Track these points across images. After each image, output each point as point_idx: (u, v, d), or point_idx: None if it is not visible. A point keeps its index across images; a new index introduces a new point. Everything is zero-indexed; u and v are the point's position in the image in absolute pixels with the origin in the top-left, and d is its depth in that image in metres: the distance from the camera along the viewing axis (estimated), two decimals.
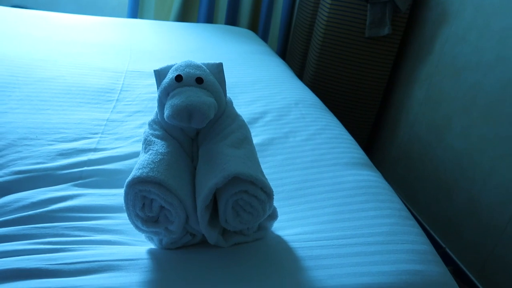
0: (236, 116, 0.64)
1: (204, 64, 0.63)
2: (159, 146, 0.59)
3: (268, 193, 0.57)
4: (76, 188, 0.72)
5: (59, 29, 1.45)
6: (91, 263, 0.56)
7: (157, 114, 0.64)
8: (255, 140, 0.89)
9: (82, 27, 1.53)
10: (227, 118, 0.62)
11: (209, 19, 2.21)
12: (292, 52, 2.07)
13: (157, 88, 0.62)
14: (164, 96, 0.59)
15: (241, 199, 0.55)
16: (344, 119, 1.77)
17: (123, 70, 1.17)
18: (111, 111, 0.95)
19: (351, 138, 0.94)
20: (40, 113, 0.89)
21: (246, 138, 0.61)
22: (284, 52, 2.37)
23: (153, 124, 0.63)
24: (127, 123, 0.92)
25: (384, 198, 0.74)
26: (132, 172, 0.55)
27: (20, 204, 0.66)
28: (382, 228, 0.67)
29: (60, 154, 0.78)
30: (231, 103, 0.66)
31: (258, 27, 2.28)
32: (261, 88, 1.16)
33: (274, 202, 0.60)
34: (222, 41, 1.63)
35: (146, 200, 0.55)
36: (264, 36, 2.28)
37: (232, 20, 2.24)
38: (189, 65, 0.60)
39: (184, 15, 2.21)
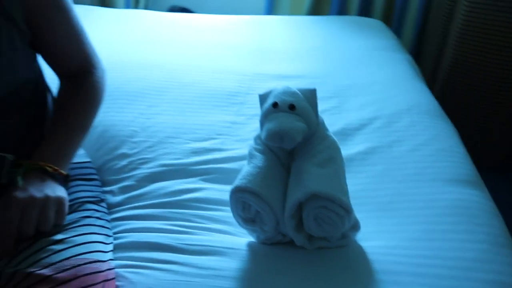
0: (325, 137, 0.72)
1: (299, 89, 0.72)
2: (258, 160, 0.71)
3: (346, 210, 0.64)
4: (203, 182, 0.90)
5: (201, 31, 1.68)
6: (205, 247, 0.73)
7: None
8: (358, 148, 0.94)
9: (220, 28, 1.73)
10: (317, 139, 0.71)
11: (342, 10, 2.21)
12: (428, 46, 1.94)
13: (260, 110, 0.74)
14: (263, 119, 0.71)
15: (321, 212, 0.64)
16: (483, 125, 1.62)
17: (250, 72, 1.32)
18: (236, 114, 1.11)
19: (462, 151, 0.91)
20: (183, 114, 1.11)
21: (331, 158, 0.68)
22: (419, 47, 2.21)
23: (256, 139, 0.76)
24: (247, 125, 1.07)
25: (481, 222, 0.73)
26: (235, 180, 0.69)
27: (162, 191, 0.87)
28: (469, 253, 0.67)
29: (193, 152, 0.97)
30: (323, 124, 0.74)
31: (392, 18, 2.18)
32: (376, 91, 1.18)
33: (364, 213, 0.67)
34: (349, 36, 1.65)
35: (245, 204, 0.68)
36: (398, 29, 2.17)
37: (365, 11, 2.19)
38: (285, 93, 0.70)
39: (317, 7, 2.26)
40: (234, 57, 1.45)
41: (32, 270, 0.59)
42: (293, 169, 0.71)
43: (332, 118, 1.06)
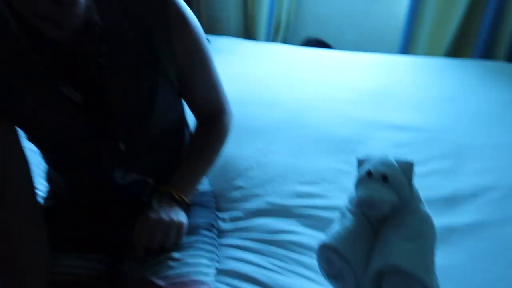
0: (417, 211, 0.73)
1: (396, 160, 0.74)
2: (348, 220, 0.76)
3: None
4: (301, 226, 0.98)
5: (328, 70, 1.76)
6: None
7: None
8: (464, 219, 0.91)
9: (349, 66, 1.79)
10: (408, 211, 0.72)
11: (487, 53, 2.04)
12: None
13: (357, 173, 0.79)
14: (357, 184, 0.75)
15: (399, 286, 0.66)
16: None
17: (367, 119, 1.35)
18: (344, 162, 1.16)
19: None
20: (294, 156, 1.21)
21: (420, 233, 0.70)
22: None
23: (351, 199, 0.81)
24: (352, 175, 1.11)
25: None
26: (324, 236, 0.75)
27: (264, 228, 0.98)
28: None
29: (297, 195, 1.06)
30: (418, 197, 0.75)
31: None
32: (501, 156, 1.10)
33: None
34: (488, 86, 1.55)
35: (330, 260, 0.74)
36: None
37: None
38: (381, 163, 0.74)
39: (458, 48, 2.13)
40: (355, 101, 1.49)
41: (152, 278, 0.76)
42: (381, 236, 0.74)
43: (443, 181, 1.04)
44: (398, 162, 0.75)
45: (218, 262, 0.89)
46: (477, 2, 1.99)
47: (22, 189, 0.76)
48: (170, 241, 0.80)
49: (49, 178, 0.93)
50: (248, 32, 2.66)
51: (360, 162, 0.80)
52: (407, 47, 2.26)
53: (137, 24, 0.75)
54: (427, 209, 0.75)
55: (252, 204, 1.06)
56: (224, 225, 1.01)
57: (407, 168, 0.74)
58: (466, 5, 1.98)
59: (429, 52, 2.18)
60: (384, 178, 0.72)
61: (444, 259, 0.83)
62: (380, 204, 0.70)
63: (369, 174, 0.74)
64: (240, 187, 1.12)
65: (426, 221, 0.72)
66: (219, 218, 1.03)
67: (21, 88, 0.71)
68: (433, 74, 1.70)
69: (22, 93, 0.71)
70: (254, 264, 0.88)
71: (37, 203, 0.79)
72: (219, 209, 1.06)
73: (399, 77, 1.69)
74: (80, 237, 0.85)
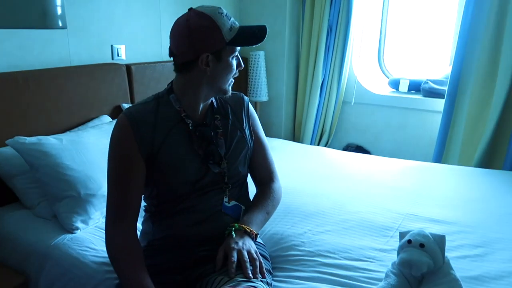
0: (448, 274, 0.92)
1: (431, 234, 0.96)
2: (392, 279, 0.95)
3: None
4: None
5: (366, 170, 2.02)
6: None
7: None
8: None
9: (385, 169, 2.04)
10: (441, 274, 0.92)
11: None
12: None
13: (399, 243, 1.00)
14: (399, 250, 0.96)
15: None
16: None
17: (404, 212, 1.56)
18: (385, 244, 1.35)
19: None
20: (340, 236, 1.41)
21: None
22: None
23: (394, 264, 1.00)
24: (392, 254, 1.29)
25: None
26: None
27: None
28: None
29: (343, 267, 1.25)
30: (448, 264, 0.94)
31: None
32: None
33: None
34: (511, 192, 1.73)
35: None
36: None
37: None
38: (419, 234, 0.95)
39: (488, 161, 2.34)
40: (393, 197, 1.71)
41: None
42: None
43: (472, 265, 1.20)
44: (433, 235, 0.97)
45: None
46: (506, 117, 2.24)
47: (136, 216, 1.10)
48: (245, 258, 1.04)
49: (144, 233, 1.21)
50: (295, 137, 3.03)
51: (402, 235, 1.01)
52: (440, 158, 2.50)
53: (232, 108, 1.26)
54: (457, 274, 0.93)
55: (303, 273, 1.24)
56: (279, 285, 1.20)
57: (440, 240, 0.95)
58: (496, 120, 2.23)
59: (461, 163, 2.39)
60: (421, 246, 0.93)
61: None
62: (418, 264, 0.90)
63: (409, 241, 0.95)
64: (292, 259, 1.31)
65: (456, 282, 0.91)
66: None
67: (173, 137, 1.12)
68: (465, 180, 1.90)
69: (174, 141, 1.12)
70: None
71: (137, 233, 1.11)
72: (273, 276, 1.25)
73: (433, 180, 1.91)
74: (163, 278, 1.08)
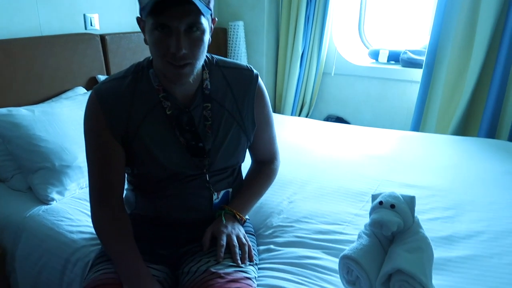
0: (417, 232, 0.94)
1: (402, 195, 0.98)
2: (364, 240, 0.98)
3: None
4: (323, 253, 1.18)
5: (346, 140, 2.04)
6: None
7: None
8: (459, 253, 1.10)
9: (364, 139, 2.07)
10: (411, 232, 0.94)
11: (491, 134, 2.30)
12: None
13: (371, 205, 1.02)
14: (371, 211, 0.99)
15: (403, 286, 0.86)
16: None
17: (381, 179, 1.59)
18: (360, 209, 1.38)
19: None
20: (318, 203, 1.44)
21: (419, 248, 0.91)
22: None
23: (366, 225, 1.03)
24: (367, 218, 1.32)
25: None
26: (345, 251, 0.96)
27: (293, 255, 1.17)
28: None
29: (320, 231, 1.27)
30: (417, 223, 0.97)
31: None
32: (492, 209, 1.30)
33: None
34: (485, 158, 1.78)
35: (349, 269, 0.94)
36: None
37: None
38: (390, 196, 0.97)
39: (464, 128, 2.40)
40: (370, 164, 1.74)
41: (217, 270, 0.96)
42: (389, 251, 0.95)
43: (443, 226, 1.24)
44: (403, 196, 0.99)
45: (257, 279, 1.09)
46: (481, 87, 2.30)
47: (121, 193, 1.04)
48: (236, 246, 1.03)
49: (127, 202, 1.17)
50: (276, 108, 3.03)
51: (374, 197, 1.03)
52: (417, 127, 2.55)
53: (234, 93, 1.08)
54: (426, 233, 0.96)
55: (282, 239, 1.27)
56: (259, 255, 1.22)
57: (410, 201, 0.98)
58: (472, 89, 2.28)
59: (438, 131, 2.45)
60: (392, 206, 0.95)
61: (442, 281, 1.02)
62: (388, 224, 0.92)
63: (380, 203, 0.97)
64: (272, 226, 1.33)
65: (424, 240, 0.94)
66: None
67: (150, 123, 1.00)
68: (441, 147, 1.95)
69: (150, 127, 1.01)
70: (285, 279, 1.07)
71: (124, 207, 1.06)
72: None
73: (409, 148, 1.95)
74: (148, 249, 1.07)
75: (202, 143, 1.04)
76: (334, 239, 1.23)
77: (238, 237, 1.05)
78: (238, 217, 1.11)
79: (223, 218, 1.07)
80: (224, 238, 1.02)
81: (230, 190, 1.15)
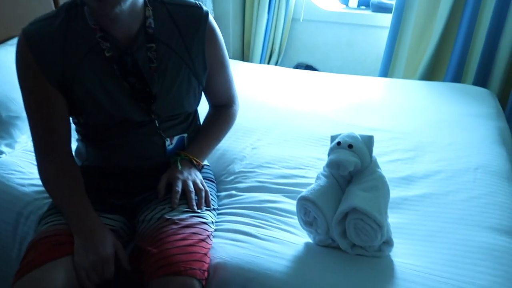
0: (374, 172, 0.94)
1: (360, 135, 0.96)
2: (322, 181, 0.97)
3: (379, 225, 0.85)
4: (284, 197, 1.17)
5: (314, 87, 2.01)
6: (273, 238, 1.00)
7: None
8: (416, 192, 1.12)
9: (332, 85, 2.04)
10: (368, 172, 0.93)
11: (457, 78, 2.31)
12: None
13: (330, 146, 1.00)
14: (330, 152, 0.97)
15: (359, 223, 0.86)
16: None
17: (345, 123, 1.58)
18: (322, 153, 1.37)
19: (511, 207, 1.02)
20: (281, 148, 1.42)
21: (375, 187, 0.90)
22: None
23: (325, 167, 1.02)
24: None
25: (504, 262, 0.85)
26: (302, 192, 0.96)
27: (253, 199, 1.17)
28: (483, 282, 0.80)
29: (282, 176, 1.26)
30: (375, 162, 0.96)
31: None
32: (452, 150, 1.32)
33: (405, 239, 0.86)
34: (450, 102, 1.78)
35: (306, 210, 0.94)
36: None
37: (482, 81, 2.26)
38: (348, 136, 0.96)
39: (431, 74, 2.40)
40: (336, 110, 1.72)
41: (171, 217, 0.94)
42: (346, 191, 0.94)
43: (402, 167, 1.26)
44: (361, 136, 0.97)
45: (216, 224, 1.08)
46: (449, 32, 2.28)
47: (67, 143, 0.98)
48: (192, 192, 1.00)
49: (79, 153, 1.12)
50: (245, 56, 2.93)
51: (333, 138, 1.01)
52: (386, 73, 2.54)
53: (181, 33, 0.99)
54: (382, 172, 0.96)
55: (243, 184, 1.25)
56: (220, 201, 1.21)
57: (368, 140, 0.96)
58: (440, 34, 2.26)
59: (406, 77, 2.45)
60: (350, 146, 0.94)
61: (398, 219, 1.03)
62: (345, 164, 0.91)
63: (338, 143, 0.96)
64: (234, 172, 1.31)
65: (381, 179, 0.94)
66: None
67: (88, 67, 0.93)
68: (407, 93, 1.94)
69: (90, 72, 0.93)
70: (245, 223, 1.07)
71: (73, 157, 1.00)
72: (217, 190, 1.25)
73: (376, 93, 1.93)
74: (102, 199, 1.04)
75: (149, 87, 0.97)
76: (296, 183, 1.23)
77: (194, 183, 1.02)
78: (195, 162, 1.07)
79: (179, 164, 1.03)
80: (179, 184, 0.99)
81: (186, 135, 1.10)
